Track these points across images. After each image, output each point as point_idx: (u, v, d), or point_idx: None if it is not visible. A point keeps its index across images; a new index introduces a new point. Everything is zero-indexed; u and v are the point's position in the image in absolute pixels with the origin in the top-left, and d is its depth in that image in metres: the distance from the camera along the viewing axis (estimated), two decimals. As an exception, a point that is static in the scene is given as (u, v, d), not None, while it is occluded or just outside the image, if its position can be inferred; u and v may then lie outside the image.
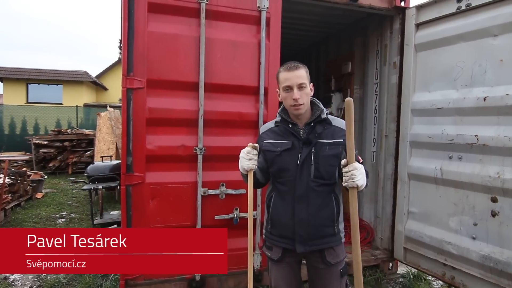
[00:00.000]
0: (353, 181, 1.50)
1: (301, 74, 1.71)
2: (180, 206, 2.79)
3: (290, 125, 1.78)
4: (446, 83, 2.84)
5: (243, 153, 1.76)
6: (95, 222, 4.50)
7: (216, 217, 2.85)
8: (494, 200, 2.50)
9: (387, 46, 3.52)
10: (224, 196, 2.87)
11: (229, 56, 2.83)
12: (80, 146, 9.54)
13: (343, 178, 1.54)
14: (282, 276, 1.85)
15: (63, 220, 5.16)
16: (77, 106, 13.26)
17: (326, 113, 1.80)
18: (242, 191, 2.88)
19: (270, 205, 1.85)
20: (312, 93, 1.78)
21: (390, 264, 3.44)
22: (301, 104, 1.70)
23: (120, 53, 2.88)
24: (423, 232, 3.02)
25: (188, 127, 2.79)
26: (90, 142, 9.55)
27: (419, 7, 3.06)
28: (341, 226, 1.81)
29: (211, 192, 2.82)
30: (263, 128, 1.93)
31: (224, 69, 2.82)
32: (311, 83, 1.77)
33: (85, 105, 15.62)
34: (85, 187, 4.59)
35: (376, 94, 3.74)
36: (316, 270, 1.82)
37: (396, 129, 3.33)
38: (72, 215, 5.40)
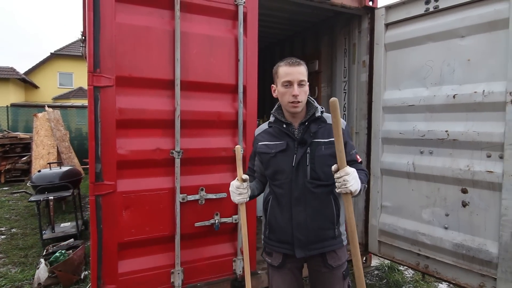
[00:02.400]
0: (346, 187, 1.42)
1: (302, 71, 1.66)
2: (156, 215, 2.56)
3: (284, 125, 1.72)
4: (416, 81, 2.96)
5: (232, 187, 1.69)
6: (45, 237, 4.00)
7: (196, 224, 2.67)
8: (464, 191, 2.67)
9: (355, 45, 3.60)
10: (203, 202, 2.70)
11: (205, 52, 2.66)
12: (14, 152, 8.51)
13: (336, 184, 1.46)
14: (284, 283, 1.77)
15: (3, 237, 4.52)
16: (7, 106, 11.82)
17: (321, 111, 1.75)
18: (222, 195, 2.73)
19: (268, 209, 1.78)
20: (308, 92, 1.72)
21: (364, 258, 3.54)
22: (299, 102, 1.65)
23: (82, 46, 2.56)
24: (397, 225, 3.14)
25: (163, 128, 2.57)
26: (25, 147, 8.57)
27: (388, 8, 3.16)
28: (342, 228, 1.77)
29: (190, 198, 2.63)
30: (258, 130, 1.84)
31: (201, 66, 2.65)
32: (308, 82, 1.71)
33: (13, 105, 13.99)
34: (33, 198, 4.03)
35: (345, 92, 3.81)
36: (317, 273, 1.77)
37: (367, 126, 3.42)
38: (13, 230, 4.76)
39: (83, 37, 2.41)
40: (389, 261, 3.41)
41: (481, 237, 2.57)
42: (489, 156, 2.52)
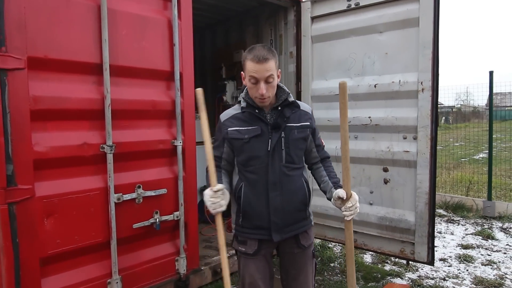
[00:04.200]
0: (357, 212, 1.57)
1: (270, 67, 1.58)
2: (87, 220, 2.22)
3: (257, 110, 1.68)
4: (341, 72, 3.21)
5: (206, 197, 1.56)
6: None
7: (135, 225, 2.41)
8: (385, 170, 3.02)
9: (282, 36, 3.70)
10: (141, 200, 2.45)
11: (137, 34, 2.39)
12: None
13: (345, 212, 1.56)
14: (258, 270, 1.74)
15: None
16: None
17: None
18: (162, 191, 2.53)
19: (241, 197, 1.71)
20: (279, 79, 1.70)
21: (298, 240, 3.72)
22: (266, 97, 1.63)
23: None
24: (327, 205, 3.35)
25: (91, 120, 2.23)
26: None
27: (313, 2, 3.32)
28: (310, 209, 1.84)
29: (126, 197, 2.36)
30: (225, 115, 1.75)
31: (132, 49, 2.37)
32: (279, 70, 1.70)
33: None
34: None
35: (273, 82, 3.90)
36: (290, 255, 1.79)
37: (297, 114, 3.56)
38: None
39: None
40: (320, 240, 3.65)
41: (401, 208, 2.95)
42: (405, 138, 2.89)
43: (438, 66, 2.69)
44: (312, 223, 1.85)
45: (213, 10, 4.16)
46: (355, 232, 3.14)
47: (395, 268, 3.28)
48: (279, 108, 1.69)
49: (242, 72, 1.68)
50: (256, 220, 1.68)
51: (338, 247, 3.71)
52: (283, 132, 1.66)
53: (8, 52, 1.87)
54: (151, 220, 2.49)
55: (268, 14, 3.85)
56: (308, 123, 1.74)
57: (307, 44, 3.39)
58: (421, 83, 2.73)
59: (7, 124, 1.89)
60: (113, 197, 2.28)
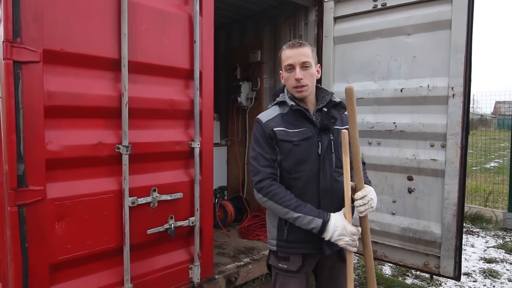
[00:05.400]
0: (372, 208, 1.46)
1: (306, 52, 1.52)
2: (99, 225, 2.09)
3: (305, 111, 1.56)
4: (364, 75, 3.07)
5: (348, 232, 1.43)
6: None
7: (149, 231, 2.28)
8: (410, 178, 2.87)
9: (302, 37, 3.57)
10: (156, 204, 2.32)
11: (157, 29, 2.27)
12: None
13: (358, 208, 1.44)
14: None
15: None
16: None
17: None
18: (178, 195, 2.40)
19: None
20: (319, 75, 1.59)
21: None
22: (304, 86, 1.52)
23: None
24: (346, 214, 3.23)
25: (107, 118, 2.11)
26: None
27: (337, 2, 3.20)
28: None
29: (141, 200, 2.23)
30: (265, 116, 1.60)
31: (151, 45, 2.25)
32: (318, 65, 1.58)
33: None
34: None
35: (290, 84, 3.77)
36: (331, 270, 1.66)
37: (315, 118, 3.43)
38: None
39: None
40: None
41: (426, 220, 2.80)
42: (432, 146, 2.75)
43: (470, 71, 2.55)
44: None
45: (229, 9, 4.04)
46: (374, 242, 3.03)
47: (417, 282, 3.13)
48: (325, 109, 1.56)
49: (280, 72, 1.58)
50: (305, 232, 1.52)
51: (355, 257, 3.56)
52: (331, 135, 1.56)
53: (23, 44, 1.76)
54: (166, 226, 2.36)
55: (288, 13, 3.73)
56: None
57: (329, 45, 3.26)
58: (452, 88, 2.59)
59: (19, 121, 1.77)
60: (128, 201, 2.16)
